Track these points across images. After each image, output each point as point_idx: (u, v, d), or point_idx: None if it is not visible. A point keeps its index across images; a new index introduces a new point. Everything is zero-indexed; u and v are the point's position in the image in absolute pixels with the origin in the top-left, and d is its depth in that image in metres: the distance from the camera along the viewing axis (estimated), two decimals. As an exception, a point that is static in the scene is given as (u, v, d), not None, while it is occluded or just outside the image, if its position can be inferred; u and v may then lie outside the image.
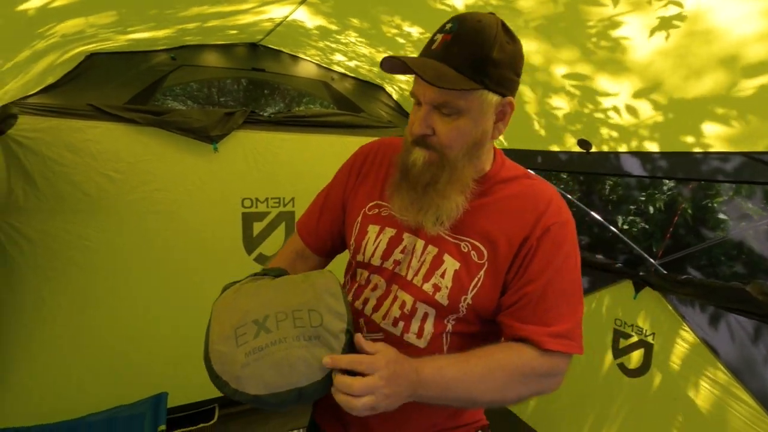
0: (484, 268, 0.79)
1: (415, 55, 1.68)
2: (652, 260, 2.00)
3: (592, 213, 2.49)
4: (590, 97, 1.55)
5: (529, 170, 0.90)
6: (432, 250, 0.82)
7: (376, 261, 0.87)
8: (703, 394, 1.67)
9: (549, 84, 1.62)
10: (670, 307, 1.80)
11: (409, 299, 0.83)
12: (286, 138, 2.34)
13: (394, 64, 0.71)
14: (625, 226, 5.13)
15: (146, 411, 2.04)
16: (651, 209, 4.98)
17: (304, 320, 0.73)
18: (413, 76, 0.74)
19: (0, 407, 1.88)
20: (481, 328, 0.84)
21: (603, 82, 1.43)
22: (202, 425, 2.34)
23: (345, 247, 1.01)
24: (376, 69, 2.38)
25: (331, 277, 0.82)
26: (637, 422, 1.89)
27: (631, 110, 1.47)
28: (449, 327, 0.82)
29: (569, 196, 2.56)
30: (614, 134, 1.63)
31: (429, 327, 0.82)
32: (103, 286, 2.02)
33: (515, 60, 0.75)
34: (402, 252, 0.85)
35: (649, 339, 1.87)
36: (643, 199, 5.10)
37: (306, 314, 0.74)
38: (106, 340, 2.06)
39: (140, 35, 1.70)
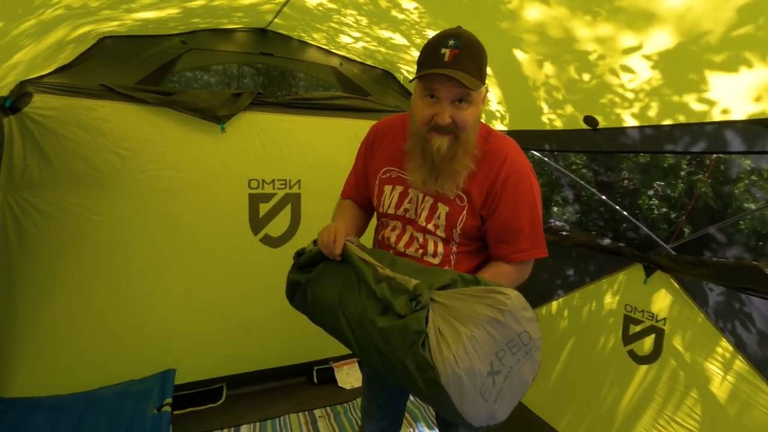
0: (465, 209, 1.12)
1: (415, 30, 1.96)
2: (663, 244, 1.93)
3: (600, 195, 2.43)
4: (603, 60, 1.43)
5: (491, 128, 1.18)
6: (429, 200, 1.14)
7: (391, 210, 1.21)
8: (718, 381, 1.60)
9: (563, 55, 1.55)
10: (682, 291, 1.73)
11: (419, 234, 1.17)
12: (293, 120, 2.36)
13: (438, 76, 0.97)
14: (640, 212, 4.96)
15: (154, 386, 2.09)
16: (663, 196, 4.81)
17: (518, 345, 0.91)
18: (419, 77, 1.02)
19: (14, 378, 1.94)
20: (473, 247, 1.18)
21: (626, 39, 1.29)
22: (209, 405, 2.37)
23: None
24: (383, 49, 2.37)
25: (518, 295, 0.94)
26: (648, 410, 1.83)
27: (631, 71, 1.37)
28: (454, 248, 1.16)
29: (578, 179, 2.49)
30: (617, 101, 1.54)
31: (440, 249, 1.16)
32: (112, 262, 2.07)
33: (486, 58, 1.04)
34: (409, 203, 1.17)
35: (660, 324, 1.81)
36: (662, 184, 4.94)
37: (518, 339, 0.91)
38: (116, 316, 2.11)
39: (147, 14, 1.74)
